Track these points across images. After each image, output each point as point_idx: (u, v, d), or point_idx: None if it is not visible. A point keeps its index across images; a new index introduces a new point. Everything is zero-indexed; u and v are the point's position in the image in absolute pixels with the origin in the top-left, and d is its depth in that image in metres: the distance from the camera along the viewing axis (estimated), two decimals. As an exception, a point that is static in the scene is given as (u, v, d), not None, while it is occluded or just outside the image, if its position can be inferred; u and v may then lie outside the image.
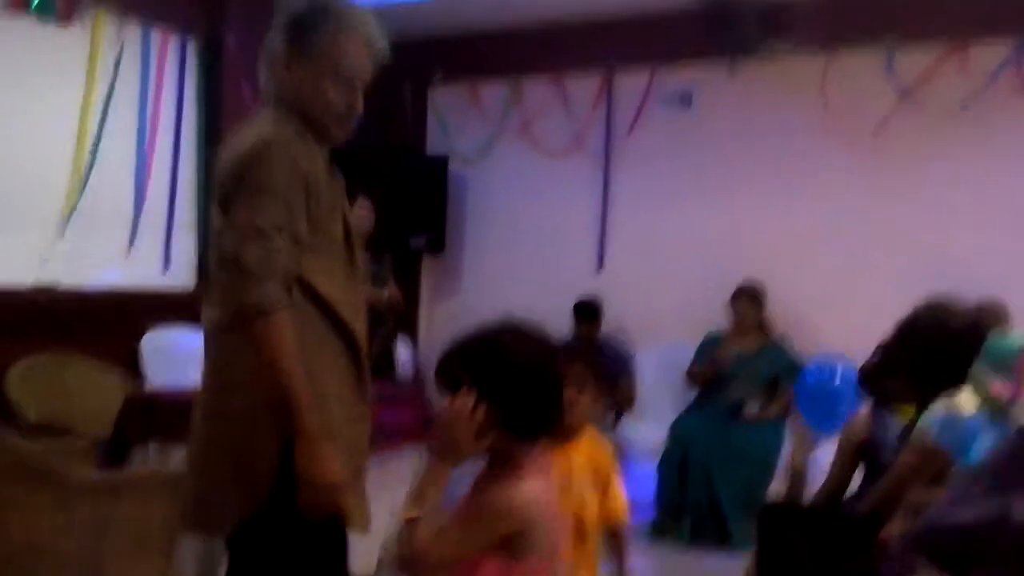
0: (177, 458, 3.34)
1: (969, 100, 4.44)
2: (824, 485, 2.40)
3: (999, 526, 1.35)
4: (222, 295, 1.74)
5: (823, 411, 4.28)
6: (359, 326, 1.84)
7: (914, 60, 4.60)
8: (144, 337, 4.49)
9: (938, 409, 2.00)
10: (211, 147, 5.03)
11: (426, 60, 5.77)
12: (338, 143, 1.87)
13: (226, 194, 1.75)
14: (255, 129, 1.78)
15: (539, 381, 1.53)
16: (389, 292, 4.82)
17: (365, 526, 1.86)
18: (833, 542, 2.21)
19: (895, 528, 1.90)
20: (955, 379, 2.04)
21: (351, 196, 2.00)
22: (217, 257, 1.75)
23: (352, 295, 1.83)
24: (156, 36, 4.73)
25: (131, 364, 4.39)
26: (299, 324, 1.71)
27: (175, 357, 4.45)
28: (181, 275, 4.97)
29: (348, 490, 1.77)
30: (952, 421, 1.84)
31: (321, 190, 1.77)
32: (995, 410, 1.72)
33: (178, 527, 2.31)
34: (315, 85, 1.80)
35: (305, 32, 1.81)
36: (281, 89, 1.84)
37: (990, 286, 4.03)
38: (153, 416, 3.56)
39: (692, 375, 4.87)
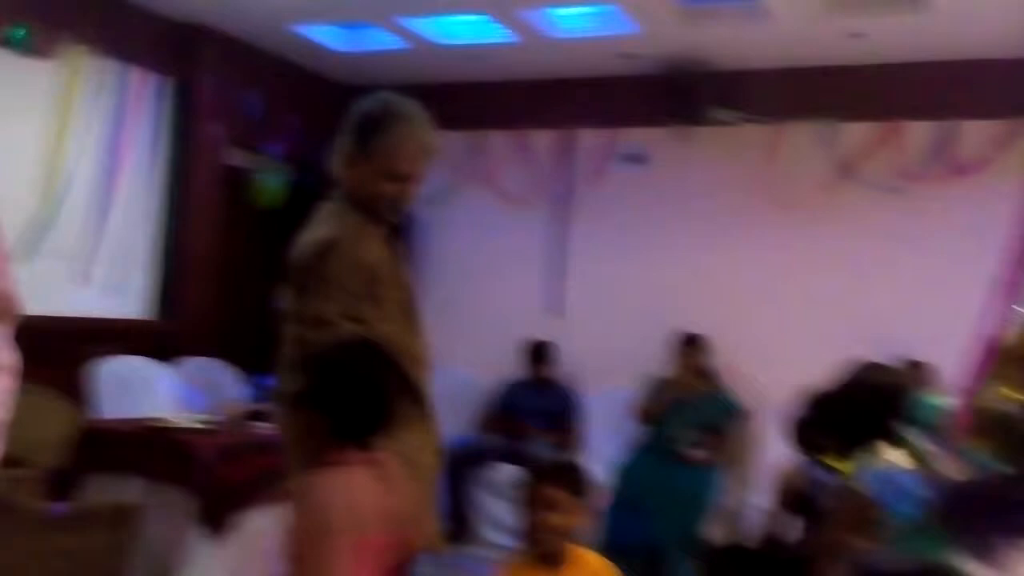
0: (128, 489, 3.34)
1: (900, 180, 4.77)
2: (766, 529, 2.54)
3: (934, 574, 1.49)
4: (292, 372, 1.92)
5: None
6: (421, 373, 2.08)
7: (853, 137, 4.92)
8: (97, 367, 4.47)
9: (874, 463, 2.17)
10: (178, 182, 5.08)
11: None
12: (394, 222, 2.12)
13: (300, 282, 1.98)
14: (324, 225, 2.02)
15: (360, 390, 1.72)
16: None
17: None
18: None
19: (829, 571, 2.05)
20: (880, 435, 2.23)
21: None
22: (290, 338, 1.97)
23: (413, 346, 2.07)
24: (133, 75, 4.79)
25: (83, 394, 4.35)
26: None
27: (128, 387, 4.43)
28: (137, 306, 4.97)
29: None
30: (888, 476, 2.00)
31: (383, 270, 2.03)
32: (925, 466, 1.89)
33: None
34: (373, 182, 2.03)
35: (368, 134, 2.03)
36: (345, 184, 2.07)
37: (913, 350, 4.32)
38: (106, 447, 3.55)
39: (643, 412, 5.02)
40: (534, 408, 4.92)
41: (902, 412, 2.26)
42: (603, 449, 5.12)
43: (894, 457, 2.19)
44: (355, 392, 1.72)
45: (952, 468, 1.75)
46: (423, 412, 2.09)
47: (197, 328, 5.10)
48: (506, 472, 4.90)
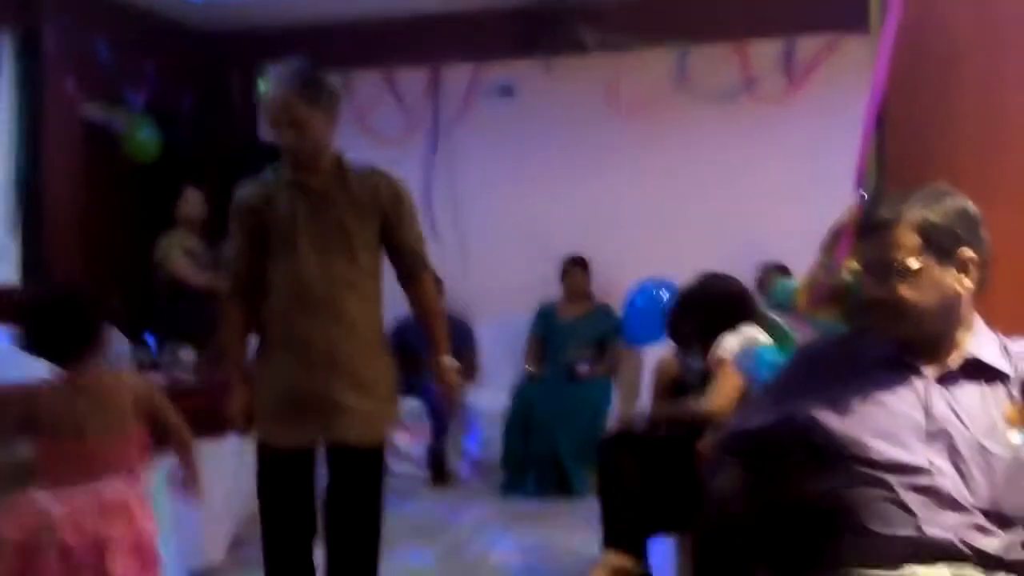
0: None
1: (748, 95, 5.06)
2: (648, 416, 2.79)
3: (784, 427, 1.71)
4: None
5: (652, 325, 4.36)
6: (278, 302, 2.47)
7: (702, 57, 5.16)
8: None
9: (733, 340, 2.47)
10: (34, 142, 4.83)
11: (252, 51, 5.77)
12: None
13: None
14: None
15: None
16: None
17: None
18: (660, 458, 2.60)
19: (707, 439, 2.28)
20: (728, 327, 2.64)
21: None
22: None
23: (273, 276, 2.47)
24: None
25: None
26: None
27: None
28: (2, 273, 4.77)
29: None
30: (749, 351, 2.24)
31: (257, 206, 2.49)
32: (780, 339, 2.12)
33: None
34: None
35: None
36: None
37: (769, 246, 4.69)
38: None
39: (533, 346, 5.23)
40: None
41: (743, 311, 2.69)
42: (498, 375, 5.32)
43: (757, 335, 2.53)
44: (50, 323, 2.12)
45: (805, 336, 1.98)
46: (271, 341, 2.46)
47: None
48: (407, 405, 5.03)
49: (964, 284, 1.59)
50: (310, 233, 2.42)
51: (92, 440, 2.06)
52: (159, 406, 2.21)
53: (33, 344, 2.08)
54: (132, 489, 2.12)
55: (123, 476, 2.11)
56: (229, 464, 3.41)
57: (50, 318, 2.11)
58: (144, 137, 5.29)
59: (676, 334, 2.93)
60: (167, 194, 5.12)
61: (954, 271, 1.58)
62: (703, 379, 2.72)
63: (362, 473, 2.49)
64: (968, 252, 1.58)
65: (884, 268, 1.58)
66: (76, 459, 2.05)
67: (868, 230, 1.61)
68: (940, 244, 1.57)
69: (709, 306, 2.80)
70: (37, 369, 2.10)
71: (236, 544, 3.55)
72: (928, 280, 1.57)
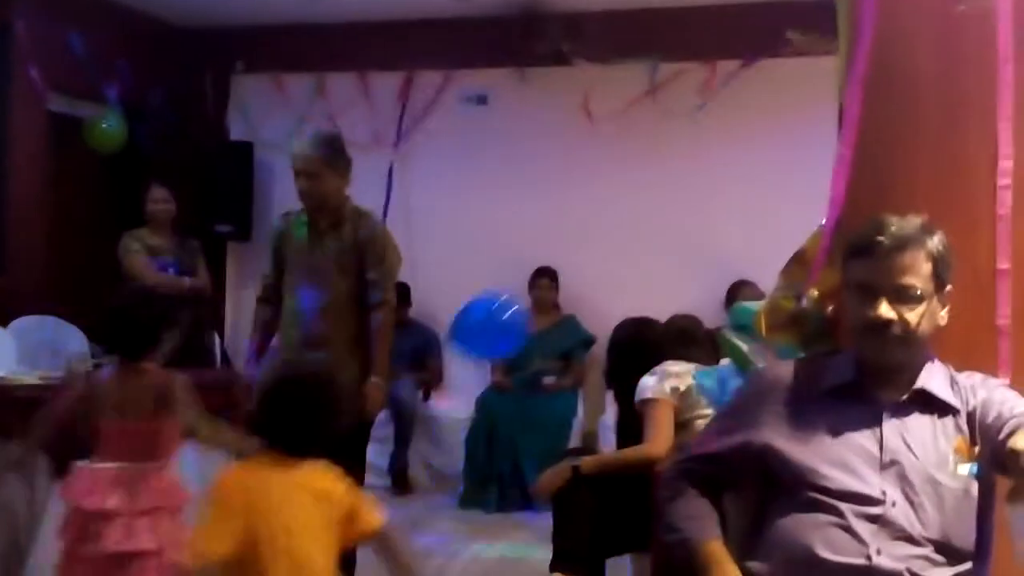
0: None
1: (709, 110, 5.11)
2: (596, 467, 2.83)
3: (740, 453, 1.71)
4: None
5: (487, 341, 4.03)
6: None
7: (675, 74, 5.19)
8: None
9: (650, 380, 2.78)
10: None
11: (228, 49, 5.72)
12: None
13: None
14: None
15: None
16: (193, 280, 4.78)
17: None
18: (614, 482, 2.61)
19: (665, 464, 2.28)
20: (639, 372, 2.84)
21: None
22: None
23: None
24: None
25: None
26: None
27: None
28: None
29: None
30: (710, 371, 2.25)
31: (278, 242, 3.30)
32: (739, 363, 2.13)
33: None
34: None
35: None
36: None
37: (738, 261, 4.75)
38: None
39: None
40: (395, 349, 4.98)
41: (645, 358, 2.89)
42: (464, 384, 5.30)
43: (670, 368, 2.80)
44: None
45: (765, 359, 1.99)
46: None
47: (30, 285, 4.83)
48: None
49: (943, 317, 1.61)
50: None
51: (141, 424, 2.44)
52: (184, 401, 2.49)
53: (106, 340, 2.49)
54: (169, 467, 2.52)
55: (164, 457, 2.49)
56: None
57: (125, 320, 2.46)
58: (108, 127, 5.20)
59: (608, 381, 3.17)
60: (134, 189, 5.05)
61: (941, 304, 1.60)
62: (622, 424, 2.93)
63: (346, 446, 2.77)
64: (949, 286, 1.60)
65: (895, 291, 1.55)
66: (129, 439, 2.43)
67: (879, 251, 1.56)
68: (940, 275, 1.58)
69: (618, 351, 3.04)
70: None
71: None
72: (928, 310, 1.57)
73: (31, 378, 3.46)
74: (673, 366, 2.80)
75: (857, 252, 1.60)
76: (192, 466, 2.86)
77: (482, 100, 5.57)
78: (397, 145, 5.67)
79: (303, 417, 1.91)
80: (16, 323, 4.50)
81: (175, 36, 5.81)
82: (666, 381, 2.76)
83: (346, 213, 3.18)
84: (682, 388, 2.75)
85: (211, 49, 5.79)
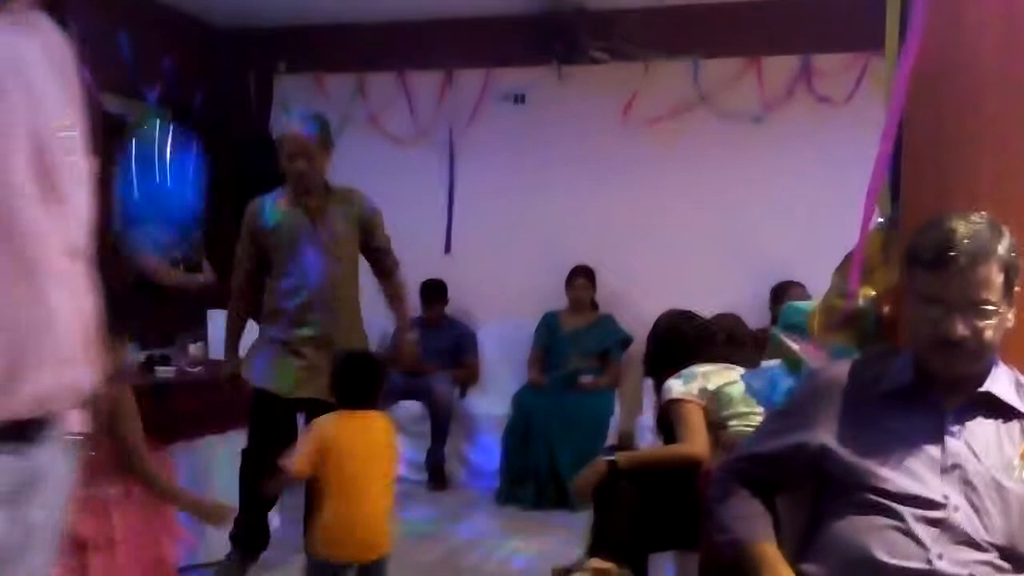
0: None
1: (762, 111, 5.05)
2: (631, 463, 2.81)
3: (795, 454, 1.69)
4: None
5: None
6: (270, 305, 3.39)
7: (716, 72, 5.15)
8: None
9: (676, 381, 2.76)
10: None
11: (270, 50, 5.78)
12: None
13: None
14: None
15: None
16: (204, 276, 4.80)
17: None
18: (663, 481, 2.59)
19: (715, 462, 2.26)
20: (672, 366, 2.84)
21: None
22: None
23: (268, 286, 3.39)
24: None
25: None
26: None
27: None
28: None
29: None
30: (758, 373, 2.23)
31: (255, 225, 3.36)
32: (791, 363, 2.10)
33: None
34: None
35: None
36: None
37: (783, 263, 4.65)
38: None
39: (536, 358, 5.20)
40: (431, 346, 5.02)
41: (695, 352, 2.86)
42: (500, 381, 5.30)
43: (697, 370, 2.77)
44: None
45: (817, 359, 1.96)
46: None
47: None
48: (407, 409, 5.02)
49: (1011, 320, 1.57)
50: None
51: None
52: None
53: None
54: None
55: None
56: (232, 459, 3.41)
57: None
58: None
59: (649, 367, 3.11)
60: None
61: (1011, 308, 1.55)
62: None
63: None
64: (1018, 287, 1.55)
65: (969, 306, 1.50)
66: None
67: (952, 267, 1.49)
68: (1011, 282, 1.53)
69: (658, 342, 3.01)
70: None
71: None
72: (1000, 320, 1.54)
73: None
74: (700, 367, 2.78)
75: (926, 264, 1.54)
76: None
77: (520, 99, 5.57)
78: (440, 143, 5.69)
79: (364, 383, 2.74)
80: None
81: (219, 37, 5.88)
82: (693, 382, 2.74)
83: (333, 191, 3.34)
84: (711, 388, 2.72)
85: (254, 50, 5.86)
